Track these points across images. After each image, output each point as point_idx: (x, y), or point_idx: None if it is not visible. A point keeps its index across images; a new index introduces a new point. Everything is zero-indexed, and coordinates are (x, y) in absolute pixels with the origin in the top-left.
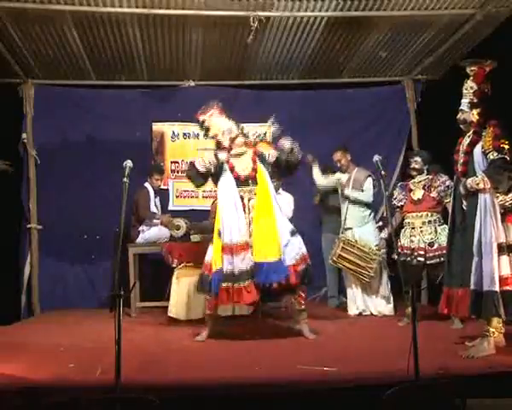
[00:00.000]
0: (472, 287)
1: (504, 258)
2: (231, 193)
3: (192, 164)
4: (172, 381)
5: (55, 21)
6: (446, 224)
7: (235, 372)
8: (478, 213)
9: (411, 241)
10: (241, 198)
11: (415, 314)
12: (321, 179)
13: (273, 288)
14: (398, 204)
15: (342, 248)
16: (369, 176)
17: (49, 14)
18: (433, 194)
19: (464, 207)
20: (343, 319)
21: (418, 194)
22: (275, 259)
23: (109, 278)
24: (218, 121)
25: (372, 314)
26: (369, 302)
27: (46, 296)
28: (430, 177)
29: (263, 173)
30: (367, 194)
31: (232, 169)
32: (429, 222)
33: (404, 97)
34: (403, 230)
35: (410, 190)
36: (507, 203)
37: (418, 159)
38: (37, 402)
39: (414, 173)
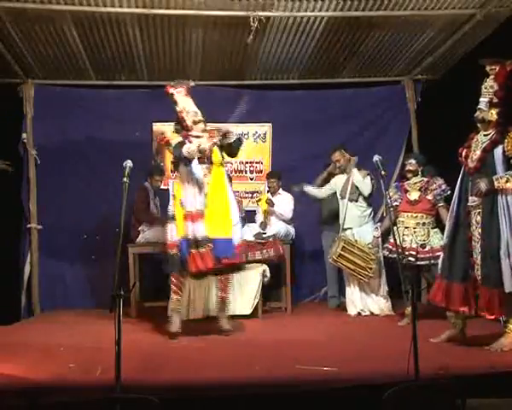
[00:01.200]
0: (508, 290)
1: None
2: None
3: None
4: (172, 381)
5: (55, 21)
6: (438, 227)
7: (234, 372)
8: (501, 214)
9: (403, 240)
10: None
11: (415, 314)
12: (319, 193)
13: (223, 263)
14: (393, 204)
15: (343, 247)
16: (368, 174)
17: (49, 13)
18: (429, 196)
19: (470, 204)
20: (343, 319)
21: (414, 195)
22: (227, 237)
23: (109, 277)
24: (186, 100)
25: (372, 314)
26: (368, 302)
27: (46, 296)
28: (426, 179)
29: (218, 156)
30: (363, 190)
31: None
32: (423, 224)
33: (404, 97)
34: (395, 228)
35: (406, 191)
36: None
37: (413, 161)
38: (37, 402)
39: (409, 175)
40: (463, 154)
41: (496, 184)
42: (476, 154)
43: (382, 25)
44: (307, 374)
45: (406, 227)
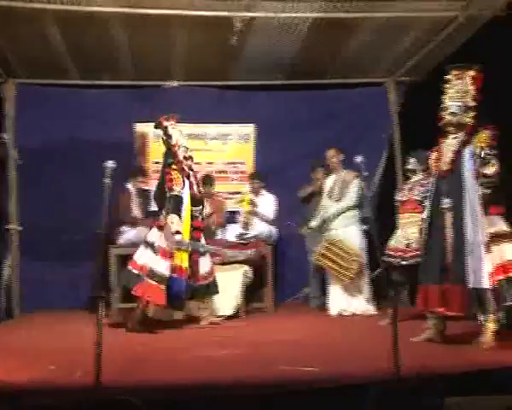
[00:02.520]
0: (470, 285)
1: (493, 248)
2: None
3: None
4: (153, 382)
5: (38, 20)
6: None
7: (216, 373)
8: (465, 212)
9: (396, 241)
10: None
11: (395, 314)
12: (316, 222)
13: None
14: (396, 205)
15: (326, 247)
16: (357, 177)
17: (31, 12)
18: (416, 196)
19: (444, 205)
20: (324, 319)
21: (405, 195)
22: None
23: (91, 279)
24: (177, 132)
25: (354, 314)
26: (350, 302)
27: (26, 298)
28: (420, 177)
29: None
30: (350, 197)
31: (191, 185)
32: (411, 223)
33: (386, 99)
34: (395, 231)
35: (401, 191)
36: (488, 195)
37: (411, 160)
38: (17, 405)
39: (409, 175)
40: (434, 157)
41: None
42: (448, 157)
43: (365, 26)
44: (289, 374)
45: (401, 229)
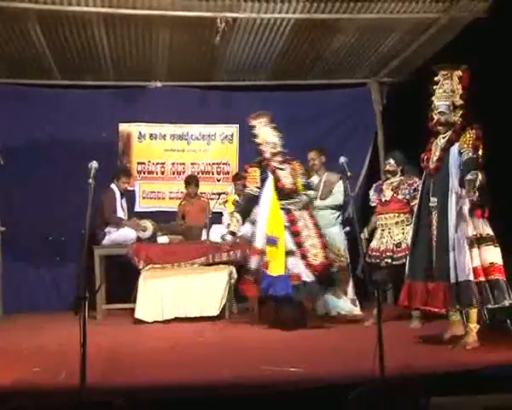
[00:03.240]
0: (452, 281)
1: (475, 250)
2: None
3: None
4: (139, 383)
5: (19, 20)
6: None
7: (201, 374)
8: (450, 210)
9: (381, 242)
10: (288, 210)
11: (380, 315)
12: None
13: None
14: (372, 205)
15: None
16: (341, 178)
17: (13, 11)
18: (400, 196)
19: (430, 204)
20: (310, 320)
21: (387, 195)
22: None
23: (75, 279)
24: (266, 131)
25: (339, 314)
26: (336, 303)
27: (9, 299)
28: (402, 178)
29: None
30: (336, 197)
31: (278, 179)
32: (397, 223)
33: (370, 99)
34: (376, 232)
35: (381, 191)
36: (473, 201)
37: (391, 161)
38: (1, 407)
39: (388, 175)
40: (425, 158)
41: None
42: (436, 155)
43: (348, 27)
44: (273, 375)
45: (383, 229)
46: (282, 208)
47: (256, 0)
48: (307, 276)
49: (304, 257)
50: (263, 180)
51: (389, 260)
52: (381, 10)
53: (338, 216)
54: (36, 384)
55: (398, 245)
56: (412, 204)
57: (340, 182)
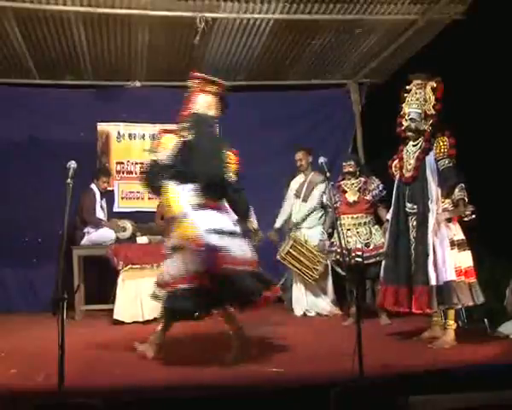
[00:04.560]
0: (433, 283)
1: (454, 253)
2: None
3: None
4: (117, 384)
5: None
6: (378, 224)
7: (181, 374)
8: (430, 215)
9: (348, 242)
10: None
11: (359, 314)
12: (285, 213)
13: None
14: (334, 205)
15: (292, 245)
16: (324, 180)
17: None
18: (368, 197)
19: (408, 210)
20: (289, 320)
21: (353, 196)
22: None
23: (53, 280)
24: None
25: (318, 314)
26: (315, 302)
27: None
28: (363, 180)
29: None
30: (316, 198)
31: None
32: (364, 223)
33: (349, 100)
34: (339, 229)
35: (344, 192)
36: (450, 207)
37: (352, 162)
38: None
39: (348, 176)
40: (396, 165)
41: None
42: (410, 163)
43: (327, 28)
44: (254, 375)
45: (348, 229)
46: None
47: (235, 0)
48: None
49: None
50: None
51: (359, 260)
52: (359, 11)
53: (320, 217)
54: (13, 386)
55: (367, 245)
56: (378, 205)
57: (322, 186)
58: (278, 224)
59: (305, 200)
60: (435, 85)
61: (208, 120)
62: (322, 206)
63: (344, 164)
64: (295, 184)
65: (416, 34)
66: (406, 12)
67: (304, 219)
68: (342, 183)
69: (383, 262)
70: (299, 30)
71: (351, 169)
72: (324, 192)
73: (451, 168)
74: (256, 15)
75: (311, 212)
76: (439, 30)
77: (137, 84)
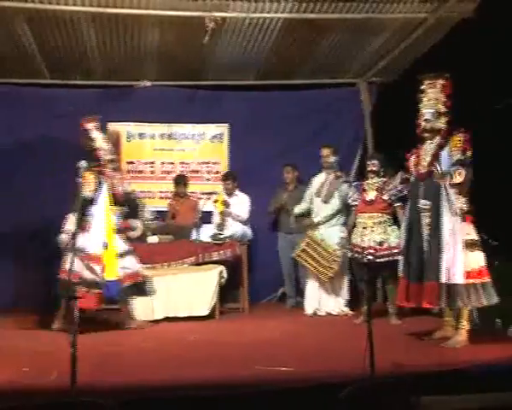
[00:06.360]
0: (442, 280)
1: (466, 253)
2: None
3: None
4: (129, 383)
5: (8, 19)
6: (395, 225)
7: (191, 373)
8: (443, 213)
9: (362, 240)
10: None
11: (370, 312)
12: (304, 207)
13: None
14: (353, 204)
15: (307, 243)
16: (346, 181)
17: (1, 11)
18: (385, 197)
19: (421, 206)
20: (299, 319)
21: (371, 195)
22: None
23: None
24: (100, 137)
25: (330, 314)
26: (327, 302)
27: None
28: (384, 180)
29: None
30: (336, 202)
31: (112, 186)
32: (380, 223)
33: (359, 99)
34: (355, 228)
35: (364, 191)
36: (464, 206)
37: (376, 161)
38: None
39: (371, 175)
40: (413, 161)
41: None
42: (426, 160)
43: (337, 27)
44: (264, 374)
45: (364, 227)
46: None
47: (245, 0)
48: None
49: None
50: (99, 184)
51: (371, 258)
52: (369, 10)
53: (340, 218)
54: (26, 385)
55: (380, 244)
56: (396, 205)
57: (345, 186)
58: (297, 210)
59: (324, 200)
60: (444, 83)
61: None
62: (346, 206)
63: (368, 163)
64: (317, 182)
65: (426, 33)
66: (416, 10)
67: (328, 220)
68: (365, 183)
69: (400, 258)
70: (308, 29)
71: (374, 168)
72: (347, 193)
73: (462, 161)
74: (265, 15)
75: (336, 214)
76: (449, 28)
77: (147, 83)
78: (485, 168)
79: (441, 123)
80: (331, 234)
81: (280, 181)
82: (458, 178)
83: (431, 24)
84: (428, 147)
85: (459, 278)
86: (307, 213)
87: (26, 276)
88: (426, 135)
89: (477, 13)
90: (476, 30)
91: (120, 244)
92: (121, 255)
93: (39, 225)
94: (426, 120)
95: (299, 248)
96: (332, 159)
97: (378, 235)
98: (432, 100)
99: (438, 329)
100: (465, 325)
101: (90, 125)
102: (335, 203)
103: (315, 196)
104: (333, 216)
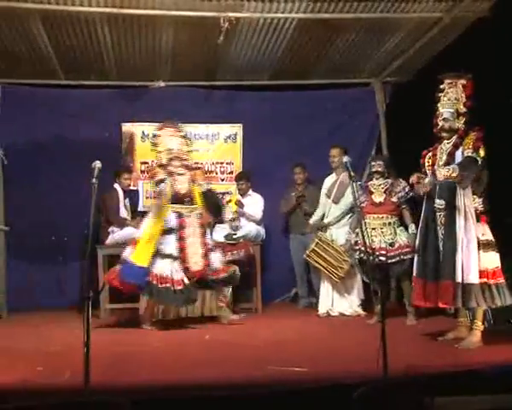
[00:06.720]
0: (458, 280)
1: (480, 254)
2: None
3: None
4: (143, 383)
5: (23, 20)
6: (403, 226)
7: (205, 373)
8: (458, 212)
9: (372, 241)
10: (180, 214)
11: (383, 313)
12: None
13: None
14: (361, 205)
15: (317, 243)
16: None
17: (16, 12)
18: (394, 199)
19: (436, 206)
20: (312, 319)
21: (379, 197)
22: None
23: (78, 279)
24: (166, 141)
25: (343, 314)
26: (341, 302)
27: (13, 298)
28: (390, 181)
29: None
30: (346, 202)
31: (172, 185)
32: (389, 224)
33: (373, 99)
34: (357, 229)
35: (371, 193)
36: (479, 207)
37: (381, 162)
38: (4, 407)
39: (376, 176)
40: (429, 161)
41: (442, 175)
42: (442, 160)
43: (352, 27)
44: (277, 375)
45: (373, 228)
46: (174, 211)
47: (259, 0)
48: (187, 280)
49: (184, 262)
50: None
51: (383, 259)
52: (384, 10)
53: (350, 217)
54: (40, 384)
55: (391, 244)
56: (403, 207)
57: (354, 184)
58: (312, 220)
59: (335, 201)
60: (465, 83)
61: None
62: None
63: (373, 163)
64: (327, 183)
65: (441, 32)
66: (431, 10)
67: (338, 221)
68: (370, 183)
69: (415, 258)
70: (322, 29)
71: (379, 169)
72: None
73: (472, 158)
74: (280, 15)
75: (346, 214)
76: (465, 28)
77: (162, 84)
78: (502, 168)
79: (460, 123)
80: (341, 234)
81: (289, 182)
82: (452, 174)
83: (446, 23)
84: (445, 147)
85: (474, 278)
86: (322, 217)
87: (43, 276)
88: (443, 134)
89: (492, 12)
90: (492, 29)
91: (170, 245)
92: (166, 256)
93: (56, 226)
94: (444, 119)
95: (309, 249)
96: (342, 159)
97: (388, 236)
98: (452, 99)
99: (452, 329)
100: (479, 325)
101: (160, 132)
102: (345, 203)
103: (325, 196)
104: (343, 216)
